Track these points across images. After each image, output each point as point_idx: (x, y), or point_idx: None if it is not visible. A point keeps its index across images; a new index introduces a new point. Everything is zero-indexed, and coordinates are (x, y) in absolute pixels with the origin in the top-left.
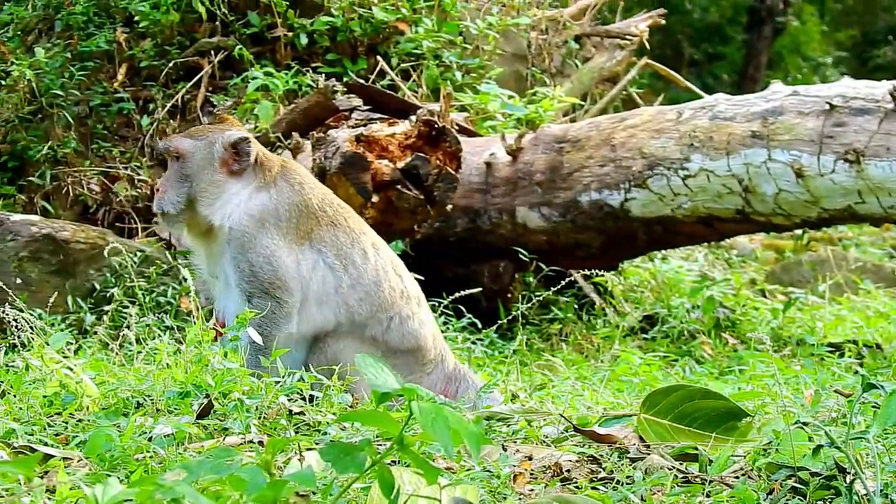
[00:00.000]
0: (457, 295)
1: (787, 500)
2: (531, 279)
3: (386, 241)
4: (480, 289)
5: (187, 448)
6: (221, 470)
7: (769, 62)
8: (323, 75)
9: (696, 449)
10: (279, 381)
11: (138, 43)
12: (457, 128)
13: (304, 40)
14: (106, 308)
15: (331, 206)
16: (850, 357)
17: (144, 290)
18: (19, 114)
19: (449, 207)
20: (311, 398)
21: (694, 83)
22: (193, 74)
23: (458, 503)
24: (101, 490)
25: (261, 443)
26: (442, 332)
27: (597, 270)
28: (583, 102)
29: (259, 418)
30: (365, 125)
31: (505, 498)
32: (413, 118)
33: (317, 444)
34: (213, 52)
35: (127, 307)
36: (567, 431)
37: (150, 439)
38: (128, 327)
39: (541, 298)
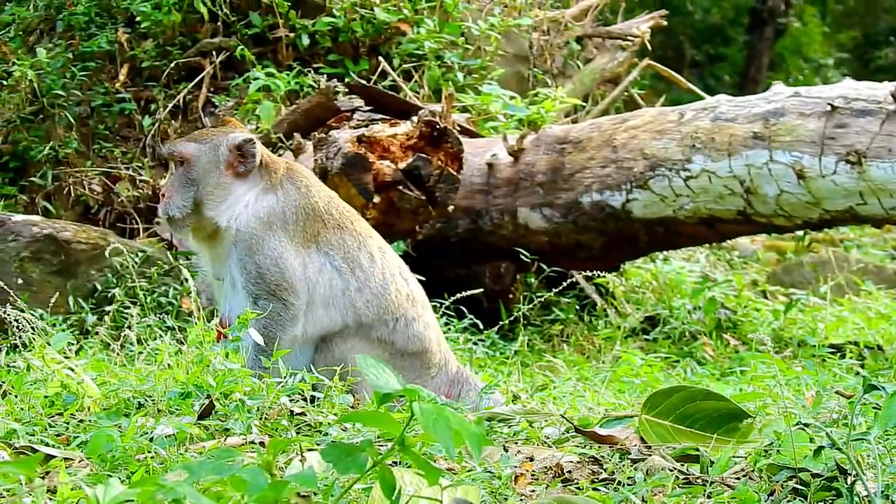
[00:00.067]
0: (458, 296)
1: (788, 501)
2: (532, 280)
3: (387, 242)
4: (482, 289)
5: (188, 449)
6: (223, 471)
7: (771, 63)
8: (324, 76)
9: (698, 450)
10: (280, 382)
11: (140, 43)
12: (458, 128)
13: (305, 41)
14: (107, 308)
15: (337, 210)
16: (851, 358)
17: (146, 290)
18: (21, 114)
19: (450, 208)
20: (313, 399)
21: (695, 84)
22: (195, 75)
23: None
24: (103, 491)
25: (262, 443)
26: (443, 332)
27: (598, 271)
28: (584, 103)
29: (260, 419)
30: (366, 126)
31: (506, 499)
32: (415, 119)
33: (318, 444)
34: (214, 53)
35: (128, 308)
36: (568, 432)
37: (151, 440)
38: (129, 328)
39: (542, 299)
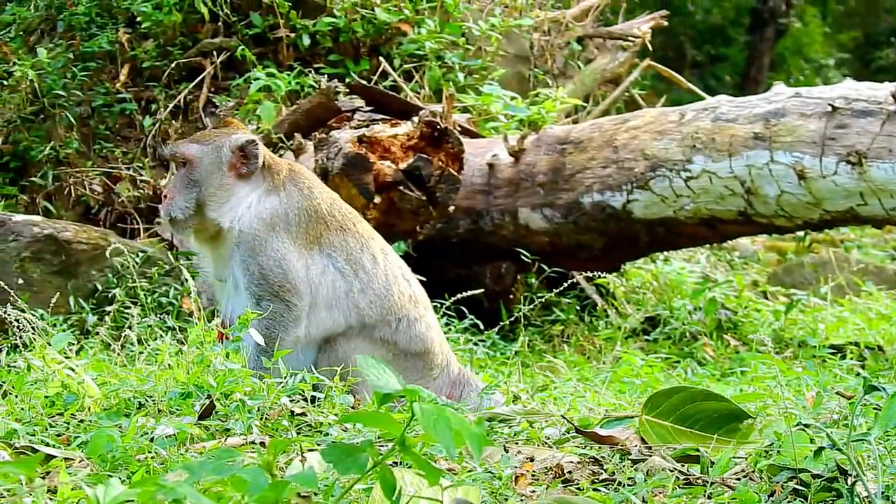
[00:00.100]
0: (459, 296)
1: (789, 501)
2: (533, 280)
3: (388, 242)
4: (482, 290)
5: (189, 449)
6: (223, 471)
7: (771, 64)
8: (325, 76)
9: (698, 450)
10: (281, 383)
11: (140, 43)
12: (459, 129)
13: (306, 41)
14: (108, 309)
15: (339, 211)
16: (851, 359)
17: (146, 290)
18: (21, 114)
19: (451, 208)
20: (313, 399)
21: (696, 85)
22: (196, 75)
23: None
24: (103, 491)
25: (262, 444)
26: (444, 332)
27: (599, 272)
28: (585, 104)
29: (261, 419)
30: (367, 126)
31: (506, 499)
32: (415, 119)
33: (319, 445)
34: (215, 53)
35: (129, 308)
36: (569, 433)
37: (151, 440)
38: (129, 328)
39: (543, 300)
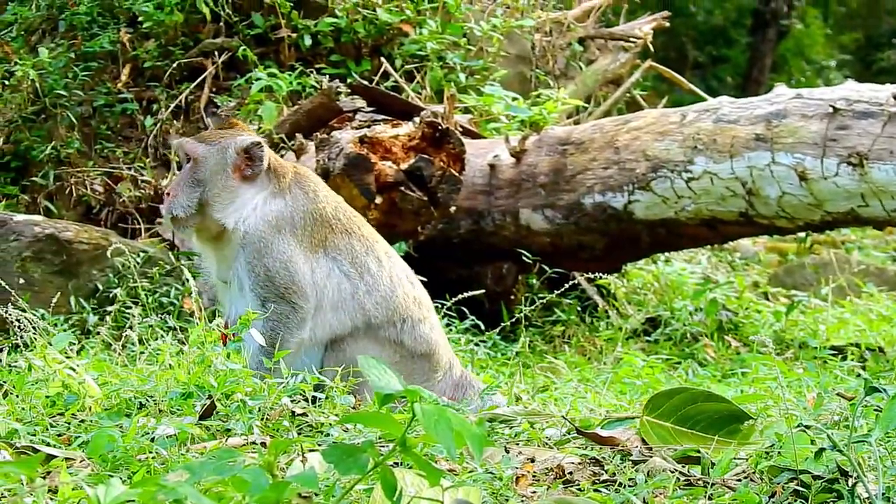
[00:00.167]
0: (460, 297)
1: (789, 503)
2: (534, 281)
3: (389, 243)
4: (483, 290)
5: (190, 449)
6: (224, 471)
7: (773, 65)
8: (327, 76)
9: (699, 451)
10: (282, 383)
11: (142, 43)
12: (460, 129)
13: (307, 41)
14: (109, 308)
15: (344, 215)
16: (852, 360)
17: (147, 290)
18: (23, 114)
19: (452, 209)
20: (314, 399)
21: (698, 86)
22: (197, 75)
23: None
24: (104, 491)
25: (263, 444)
26: (445, 333)
27: (600, 273)
28: (586, 105)
29: (262, 419)
30: (368, 126)
31: (507, 500)
32: (417, 120)
33: (319, 445)
34: (216, 53)
35: (130, 308)
36: (569, 433)
37: (152, 440)
38: (130, 328)
39: (544, 300)
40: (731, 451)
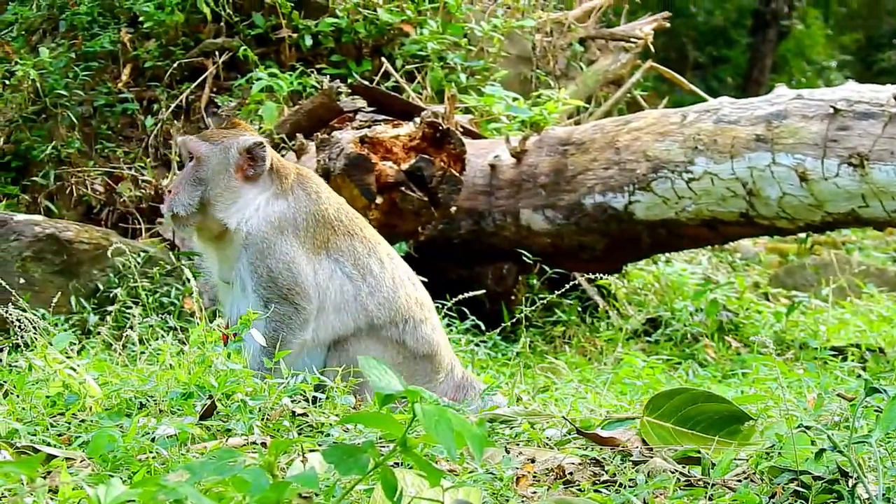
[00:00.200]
0: (460, 297)
1: (790, 503)
2: (535, 281)
3: (390, 243)
4: (484, 291)
5: (190, 449)
6: (224, 471)
7: (774, 66)
8: (327, 76)
9: (699, 452)
10: (282, 383)
11: (143, 43)
12: (461, 130)
13: (308, 41)
14: (109, 308)
15: (346, 216)
16: (852, 361)
17: (148, 290)
18: (23, 114)
19: (453, 209)
20: (315, 400)
21: (698, 86)
22: (198, 75)
23: None
24: (104, 491)
25: (264, 444)
26: (445, 333)
27: (600, 273)
28: (587, 105)
29: (262, 419)
30: (369, 127)
31: (507, 500)
32: (417, 120)
33: (320, 445)
34: (217, 53)
35: (130, 308)
36: (570, 434)
37: (153, 440)
38: (131, 328)
39: (544, 301)
40: (732, 451)
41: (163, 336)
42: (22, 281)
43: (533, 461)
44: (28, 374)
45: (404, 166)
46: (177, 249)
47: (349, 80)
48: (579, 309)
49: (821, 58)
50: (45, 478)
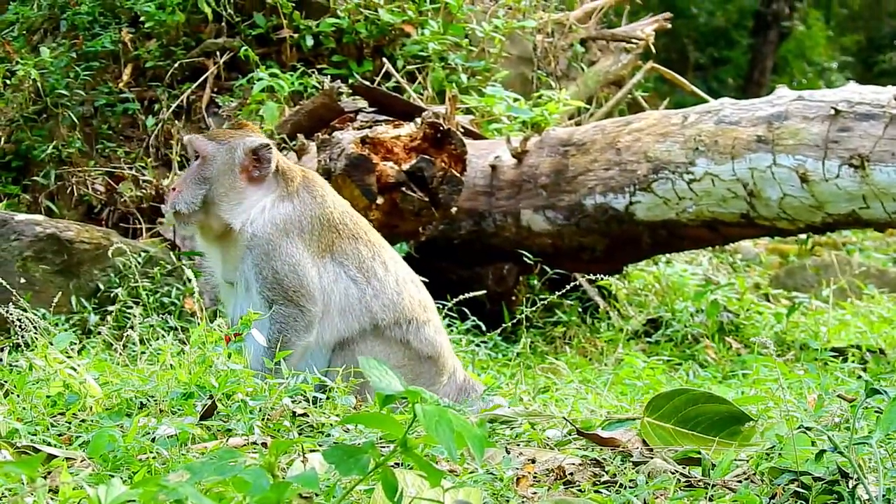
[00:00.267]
0: (461, 297)
1: None
2: (535, 282)
3: (390, 243)
4: (484, 291)
5: (190, 449)
6: (225, 471)
7: (775, 67)
8: (328, 77)
9: (700, 453)
10: (283, 383)
11: (144, 43)
12: (462, 130)
13: (309, 42)
14: (110, 308)
15: (351, 220)
16: (853, 362)
17: (148, 290)
18: (24, 113)
19: (453, 210)
20: (315, 400)
21: (699, 87)
22: (199, 75)
23: None
24: (105, 491)
25: (264, 444)
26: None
27: (601, 274)
28: (588, 106)
29: (263, 420)
30: (370, 127)
31: (508, 501)
32: (418, 120)
33: (320, 445)
34: (218, 53)
35: (131, 307)
36: (570, 434)
37: (153, 440)
38: (131, 328)
39: (545, 301)
40: (732, 452)
41: (163, 336)
42: (22, 281)
43: (533, 462)
44: (28, 374)
45: (405, 167)
46: (178, 249)
47: (350, 81)
48: (580, 309)
49: (822, 59)
50: (45, 478)
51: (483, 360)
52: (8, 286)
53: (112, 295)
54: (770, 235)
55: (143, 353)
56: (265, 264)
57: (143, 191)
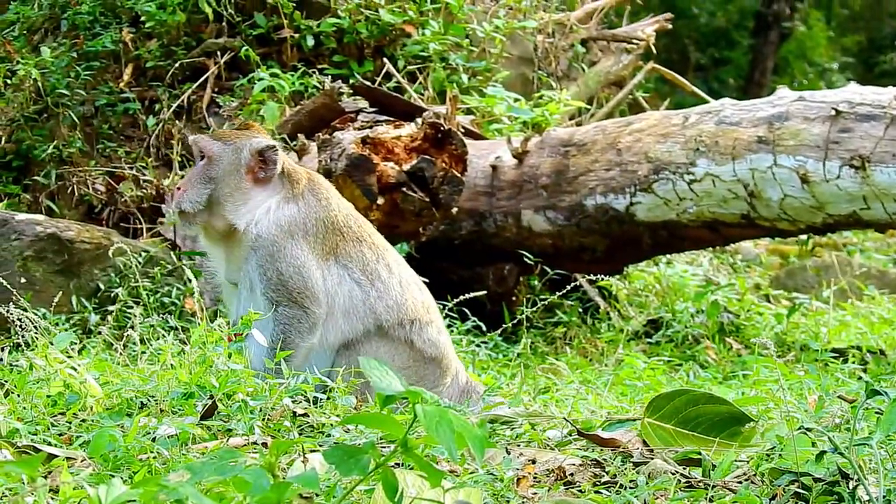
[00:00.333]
0: (461, 298)
1: None
2: (536, 282)
3: (391, 244)
4: (485, 292)
5: (191, 449)
6: (225, 471)
7: (775, 67)
8: (329, 77)
9: (700, 453)
10: (283, 383)
11: (144, 43)
12: (463, 130)
13: (310, 42)
14: (110, 308)
15: (356, 223)
16: (853, 363)
17: (149, 290)
18: (25, 113)
19: (454, 210)
20: (316, 400)
21: (700, 88)
22: (199, 75)
23: None
24: (105, 490)
25: (265, 444)
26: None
27: (601, 274)
28: (589, 106)
29: (263, 420)
30: (371, 127)
31: (508, 501)
32: (419, 121)
33: (321, 446)
34: (219, 53)
35: (131, 307)
36: (571, 435)
37: (153, 440)
38: (132, 327)
39: (545, 302)
40: (732, 453)
41: (164, 336)
42: (23, 280)
43: (534, 462)
44: (29, 374)
45: (406, 167)
46: (178, 249)
47: (351, 81)
48: (580, 310)
49: (822, 60)
50: (45, 477)
51: (483, 361)
52: (8, 286)
53: (112, 295)
54: (771, 236)
55: (143, 353)
56: (269, 265)
57: (144, 191)
